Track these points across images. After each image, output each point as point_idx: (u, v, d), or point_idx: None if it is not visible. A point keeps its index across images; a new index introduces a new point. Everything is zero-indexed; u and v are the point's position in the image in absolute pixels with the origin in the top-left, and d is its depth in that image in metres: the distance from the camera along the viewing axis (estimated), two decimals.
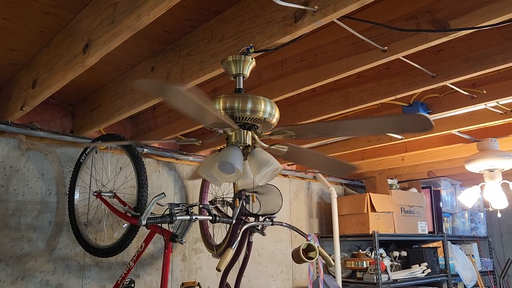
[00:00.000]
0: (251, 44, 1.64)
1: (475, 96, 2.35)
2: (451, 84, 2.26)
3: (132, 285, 2.38)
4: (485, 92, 2.31)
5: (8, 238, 2.46)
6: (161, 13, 1.41)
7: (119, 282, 2.36)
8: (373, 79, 2.32)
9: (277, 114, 1.53)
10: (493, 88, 2.28)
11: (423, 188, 4.82)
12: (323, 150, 3.54)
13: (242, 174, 1.53)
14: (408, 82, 2.16)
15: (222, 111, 1.46)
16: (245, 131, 1.57)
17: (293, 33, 1.54)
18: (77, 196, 2.63)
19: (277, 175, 1.57)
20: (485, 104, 2.41)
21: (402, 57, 1.86)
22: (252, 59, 1.59)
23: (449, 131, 2.92)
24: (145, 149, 3.05)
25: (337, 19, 1.58)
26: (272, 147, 1.60)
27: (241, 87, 1.58)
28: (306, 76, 2.04)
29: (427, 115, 1.35)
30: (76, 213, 2.60)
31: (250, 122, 1.52)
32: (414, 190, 4.75)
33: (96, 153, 2.64)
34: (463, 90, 2.34)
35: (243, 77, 1.59)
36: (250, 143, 1.57)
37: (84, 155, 2.64)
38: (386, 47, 1.73)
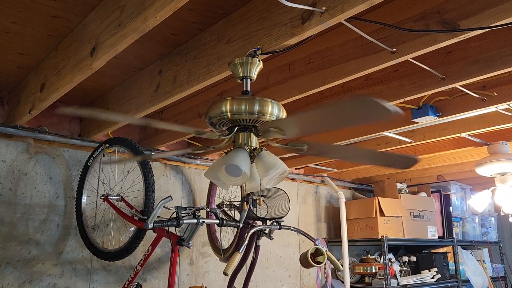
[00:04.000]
0: (258, 46, 1.63)
1: (486, 98, 2.32)
2: (461, 86, 2.23)
3: None
4: (495, 94, 2.28)
5: (16, 241, 2.47)
6: (167, 15, 1.40)
7: (126, 286, 2.35)
8: (381, 81, 2.29)
9: (284, 117, 1.52)
10: (504, 90, 2.24)
11: (432, 192, 4.76)
12: None
13: (249, 177, 1.52)
14: (417, 85, 2.13)
15: (228, 114, 1.45)
16: (252, 133, 1.56)
17: (300, 35, 1.53)
18: (84, 199, 2.64)
19: (284, 178, 1.56)
20: (496, 107, 2.38)
21: (411, 58, 1.84)
22: (259, 61, 1.57)
23: (459, 135, 2.88)
24: (152, 153, 3.05)
25: (345, 20, 1.56)
26: (289, 146, 1.57)
27: (248, 89, 1.57)
28: (314, 78, 2.02)
29: (415, 157, 1.43)
30: (84, 217, 2.60)
31: (257, 124, 1.51)
32: (423, 194, 4.69)
33: (103, 156, 2.65)
34: (473, 93, 2.31)
35: (250, 80, 1.58)
36: (257, 146, 1.56)
37: (91, 158, 2.64)
38: (394, 49, 1.71)
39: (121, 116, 1.67)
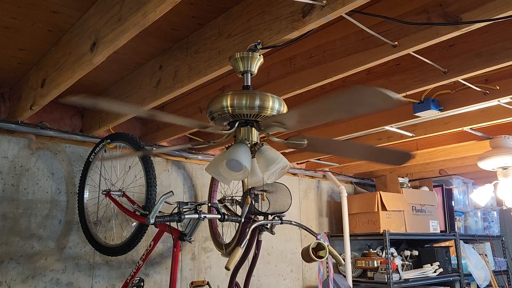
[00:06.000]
0: (259, 41, 1.63)
1: (488, 92, 2.30)
2: (463, 80, 2.22)
3: (142, 283, 2.38)
4: (498, 88, 2.26)
5: (18, 237, 2.48)
6: (167, 9, 1.39)
7: (128, 280, 2.36)
8: (383, 75, 2.28)
9: (285, 111, 1.51)
10: (506, 83, 2.23)
11: (434, 186, 4.76)
12: None
13: (251, 172, 1.51)
14: (419, 78, 2.12)
15: (229, 108, 1.45)
16: (253, 128, 1.56)
17: (301, 29, 1.52)
18: (86, 195, 2.64)
19: (285, 173, 1.55)
20: (498, 100, 2.36)
21: (413, 52, 1.83)
22: (259, 55, 1.57)
23: (461, 128, 2.87)
24: (154, 148, 3.05)
25: (346, 13, 1.55)
26: (289, 141, 1.57)
27: (249, 84, 1.56)
28: (315, 73, 2.02)
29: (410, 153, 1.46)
30: (86, 212, 2.61)
31: (258, 119, 1.51)
32: (425, 188, 4.69)
33: (105, 152, 2.65)
34: (476, 86, 2.30)
35: (251, 74, 1.58)
36: (258, 141, 1.55)
37: (93, 154, 2.64)
38: (396, 42, 1.70)
39: (127, 107, 1.67)
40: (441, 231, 4.54)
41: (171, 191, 2.03)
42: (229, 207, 2.81)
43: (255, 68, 1.57)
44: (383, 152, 1.61)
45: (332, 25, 1.93)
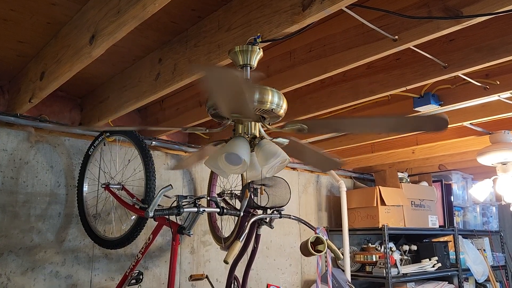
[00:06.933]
0: (258, 34, 1.62)
1: (488, 87, 2.30)
2: (463, 74, 2.21)
3: (141, 276, 2.39)
4: (498, 82, 2.26)
5: (18, 229, 2.48)
6: (166, 1, 1.39)
7: (127, 273, 2.37)
8: (383, 70, 2.28)
9: (284, 105, 1.51)
10: (506, 78, 2.22)
11: (434, 181, 4.76)
12: (333, 143, 3.50)
13: (250, 165, 1.51)
14: (419, 73, 2.12)
15: None
16: (253, 122, 1.56)
17: (301, 22, 1.51)
18: (86, 188, 2.64)
19: (284, 167, 1.55)
20: (499, 95, 2.36)
21: (413, 46, 1.82)
22: (259, 49, 1.56)
23: (461, 124, 2.86)
24: (153, 142, 3.05)
25: (346, 7, 1.55)
26: (274, 139, 1.58)
27: (248, 77, 1.56)
28: (315, 66, 2.01)
29: (444, 116, 1.33)
30: (85, 205, 2.61)
31: (257, 113, 1.50)
32: (424, 183, 4.69)
33: (104, 145, 2.64)
34: (476, 81, 2.29)
35: (251, 68, 1.57)
36: (258, 135, 1.55)
37: (92, 147, 2.64)
38: (396, 36, 1.69)
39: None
40: (440, 226, 4.55)
41: (170, 184, 2.03)
42: (228, 201, 2.81)
43: (254, 62, 1.57)
44: (388, 121, 1.49)
45: (332, 18, 1.92)
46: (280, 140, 1.59)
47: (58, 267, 2.59)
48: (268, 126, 1.57)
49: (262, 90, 1.44)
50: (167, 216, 2.10)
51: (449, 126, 2.91)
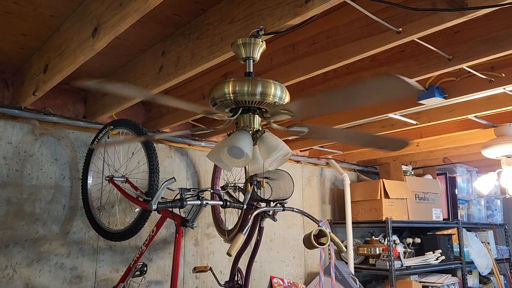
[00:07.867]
0: (261, 27, 1.61)
1: (493, 79, 2.28)
2: (468, 67, 2.19)
3: (145, 268, 2.41)
4: (503, 75, 2.24)
5: (23, 221, 2.50)
6: None
7: (131, 265, 2.39)
8: (387, 62, 2.26)
9: (287, 98, 1.50)
10: None
11: (438, 174, 4.75)
12: None
13: (252, 159, 1.51)
14: (424, 66, 2.10)
15: (231, 95, 1.44)
16: (255, 115, 1.55)
17: (304, 14, 1.50)
18: (90, 180, 2.66)
19: (287, 160, 1.55)
20: (504, 88, 2.34)
21: (417, 39, 1.80)
22: (262, 42, 1.55)
23: (465, 116, 2.84)
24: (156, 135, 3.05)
25: None
26: (290, 129, 1.57)
27: (251, 70, 1.55)
28: (318, 59, 2.00)
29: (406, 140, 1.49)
30: (90, 198, 2.63)
31: (260, 106, 1.50)
32: (429, 176, 4.68)
33: (108, 138, 2.65)
34: (481, 74, 2.27)
35: (253, 61, 1.56)
36: (260, 128, 1.55)
37: (96, 140, 2.65)
38: (400, 29, 1.68)
39: (133, 89, 1.66)
40: (444, 219, 4.54)
41: (173, 177, 2.04)
42: (232, 193, 2.82)
43: (257, 55, 1.56)
44: (379, 139, 1.64)
45: (335, 11, 1.91)
46: (297, 128, 1.58)
47: (63, 259, 2.62)
48: (272, 123, 1.57)
49: (265, 83, 1.44)
50: (170, 209, 2.11)
51: (453, 118, 2.89)
